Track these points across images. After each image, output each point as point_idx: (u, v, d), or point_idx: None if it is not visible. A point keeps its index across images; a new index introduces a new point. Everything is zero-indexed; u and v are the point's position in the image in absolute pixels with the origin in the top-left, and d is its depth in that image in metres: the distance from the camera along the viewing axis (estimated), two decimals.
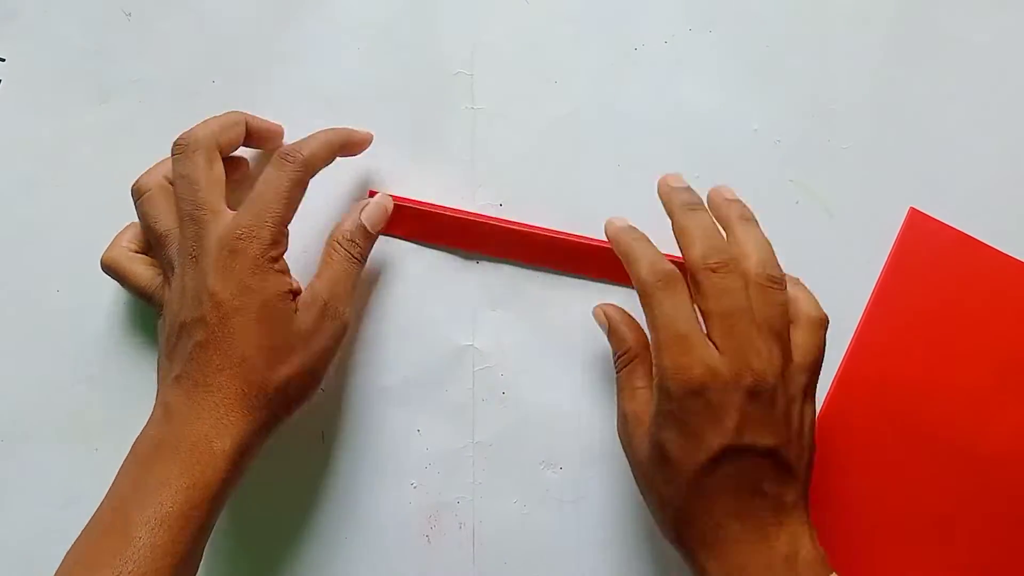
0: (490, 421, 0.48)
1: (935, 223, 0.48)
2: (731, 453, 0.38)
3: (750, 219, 0.42)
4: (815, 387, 0.41)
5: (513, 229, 0.48)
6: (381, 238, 0.47)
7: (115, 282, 0.46)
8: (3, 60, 0.50)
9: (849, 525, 0.47)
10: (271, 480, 0.47)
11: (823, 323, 0.41)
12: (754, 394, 0.38)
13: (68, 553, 0.38)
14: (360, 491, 0.48)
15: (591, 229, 0.48)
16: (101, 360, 0.49)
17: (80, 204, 0.49)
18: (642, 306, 0.40)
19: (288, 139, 0.49)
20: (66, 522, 0.48)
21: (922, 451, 0.47)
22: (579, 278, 0.48)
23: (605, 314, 0.45)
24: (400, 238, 0.49)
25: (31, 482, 0.49)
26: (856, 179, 0.49)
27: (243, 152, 0.47)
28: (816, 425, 0.46)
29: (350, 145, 0.46)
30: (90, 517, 0.39)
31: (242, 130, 0.45)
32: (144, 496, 0.38)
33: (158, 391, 0.42)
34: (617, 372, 0.44)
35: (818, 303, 0.42)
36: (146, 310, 0.49)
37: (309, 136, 0.44)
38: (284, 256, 0.42)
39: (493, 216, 0.48)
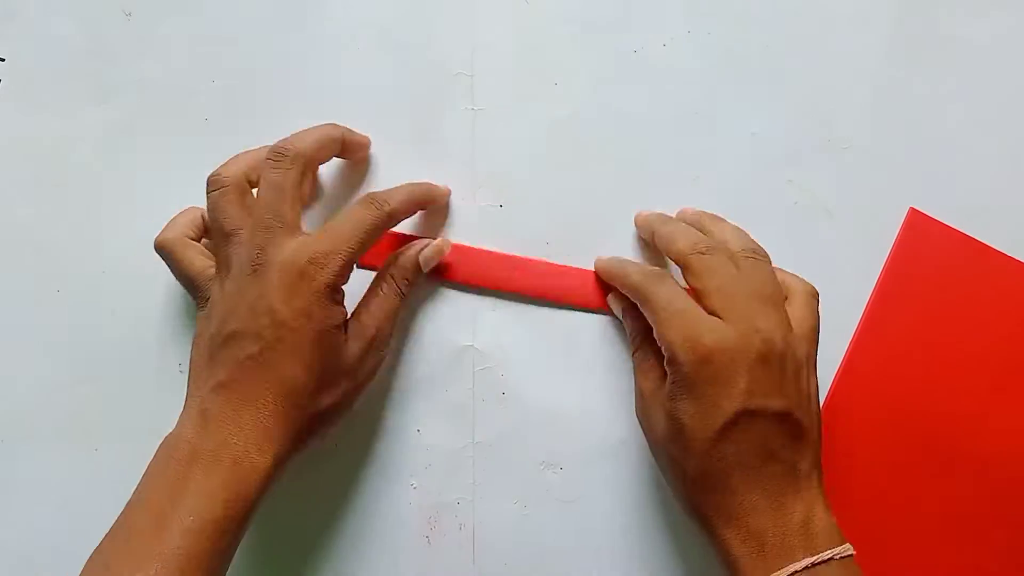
0: (490, 421, 0.48)
1: (935, 223, 0.48)
2: (744, 418, 0.38)
3: (721, 218, 0.46)
4: (816, 358, 0.42)
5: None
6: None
7: (116, 282, 0.46)
8: (3, 60, 0.50)
9: (849, 524, 0.47)
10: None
11: (814, 294, 0.43)
12: (763, 357, 0.39)
13: (97, 552, 0.38)
14: (360, 491, 0.48)
15: (591, 229, 0.48)
16: (101, 360, 0.49)
17: (80, 204, 0.49)
18: (640, 305, 0.42)
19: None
20: (66, 522, 0.48)
21: (922, 451, 0.47)
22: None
23: (620, 302, 0.47)
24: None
25: (31, 482, 0.49)
26: (856, 179, 0.49)
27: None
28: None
29: (432, 200, 0.47)
30: (120, 515, 0.39)
31: (339, 147, 0.45)
32: (183, 503, 0.37)
33: (192, 391, 0.42)
34: (633, 353, 0.46)
35: (804, 279, 0.44)
36: (146, 310, 0.49)
37: (397, 187, 0.45)
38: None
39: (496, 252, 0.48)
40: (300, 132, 0.44)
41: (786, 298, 0.43)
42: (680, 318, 0.40)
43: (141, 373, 0.49)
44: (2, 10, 0.50)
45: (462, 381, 0.48)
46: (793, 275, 0.44)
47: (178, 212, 0.46)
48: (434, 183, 0.48)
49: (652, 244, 0.46)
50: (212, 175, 0.43)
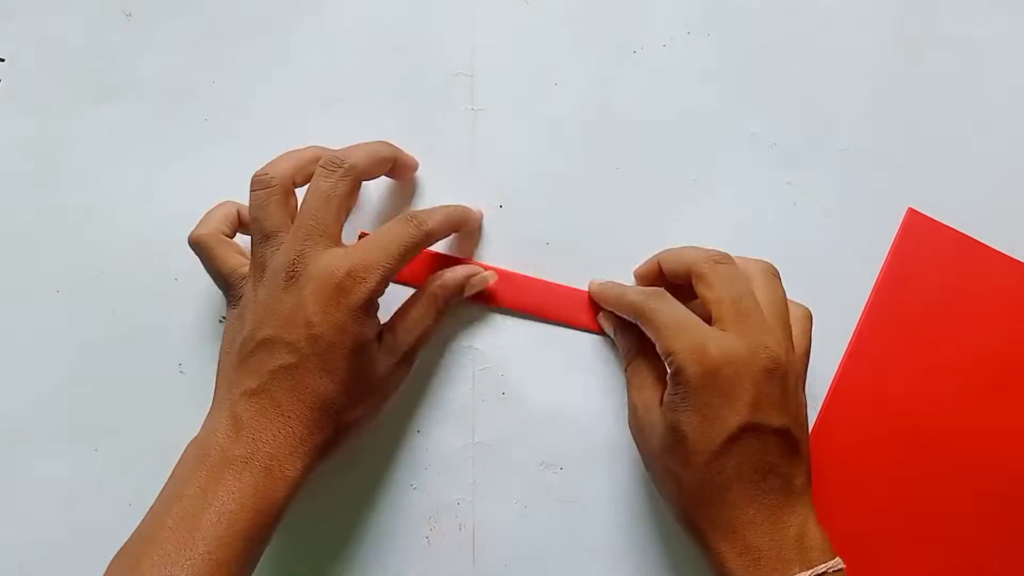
0: (490, 421, 0.48)
1: (933, 223, 0.49)
2: (748, 432, 0.38)
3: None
4: (805, 379, 0.43)
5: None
6: None
7: (116, 282, 0.46)
8: (3, 60, 0.50)
9: (847, 524, 0.47)
10: None
11: (809, 317, 0.44)
12: (769, 372, 0.39)
13: (125, 553, 0.37)
14: (360, 492, 0.48)
15: (590, 231, 0.48)
16: (101, 360, 0.49)
17: (80, 204, 0.49)
18: (642, 323, 0.42)
19: (288, 139, 0.49)
20: (66, 522, 0.48)
21: (920, 451, 0.47)
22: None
23: (612, 320, 0.47)
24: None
25: (31, 482, 0.49)
26: (854, 180, 0.49)
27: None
28: (814, 425, 0.47)
29: (467, 223, 0.47)
30: (149, 516, 0.38)
31: (390, 166, 0.45)
32: (213, 508, 0.37)
33: (222, 393, 0.41)
34: (626, 368, 0.45)
35: (800, 303, 0.44)
36: (146, 310, 0.49)
37: (435, 208, 0.45)
38: None
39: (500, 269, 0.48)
40: (355, 146, 0.43)
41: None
42: (686, 330, 0.40)
43: (141, 373, 0.49)
44: (2, 10, 0.50)
45: (462, 381, 0.48)
46: (791, 300, 0.44)
47: (213, 206, 0.46)
48: (469, 207, 0.47)
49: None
50: (259, 173, 0.42)
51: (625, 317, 0.45)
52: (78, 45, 0.50)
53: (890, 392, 0.48)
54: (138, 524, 0.38)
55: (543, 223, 0.49)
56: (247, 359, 0.40)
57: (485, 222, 0.49)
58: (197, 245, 0.44)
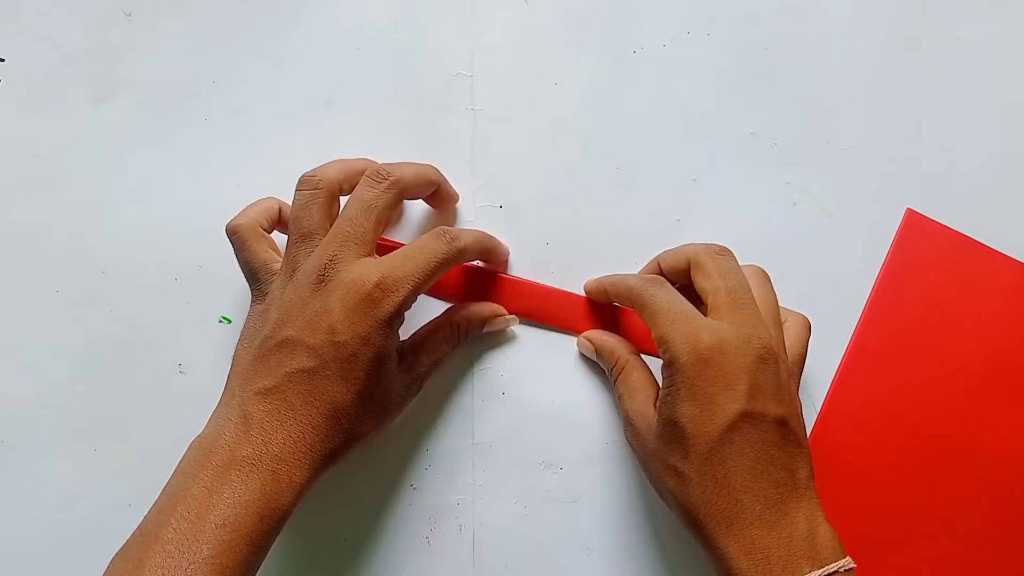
0: (490, 421, 0.48)
1: (932, 224, 0.49)
2: (745, 420, 0.38)
3: None
4: (798, 387, 0.42)
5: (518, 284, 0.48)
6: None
7: (115, 282, 0.46)
8: (3, 60, 0.50)
9: (847, 524, 0.47)
10: None
11: (807, 327, 0.43)
12: (762, 360, 0.39)
13: (127, 552, 0.37)
14: (360, 493, 0.48)
15: (590, 231, 0.48)
16: (100, 360, 0.49)
17: (80, 204, 0.49)
18: (639, 310, 0.42)
19: (288, 139, 0.49)
20: (66, 522, 0.48)
21: (920, 451, 0.47)
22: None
23: (589, 339, 0.47)
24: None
25: (31, 482, 0.49)
26: (853, 180, 0.49)
27: None
28: (814, 424, 0.48)
29: (494, 254, 0.47)
30: (151, 514, 0.38)
31: (432, 190, 0.45)
32: (218, 510, 0.37)
33: (234, 388, 0.41)
34: (613, 382, 0.45)
35: (801, 313, 0.44)
36: (145, 311, 0.49)
37: (469, 229, 0.45)
38: None
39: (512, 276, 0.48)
40: (403, 162, 0.43)
41: (784, 321, 0.43)
42: (681, 319, 0.40)
43: (140, 373, 0.49)
44: (2, 10, 0.50)
45: (462, 381, 0.48)
46: (790, 309, 0.44)
47: (256, 199, 0.46)
48: (498, 239, 0.47)
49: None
50: (308, 174, 0.42)
51: (621, 304, 0.45)
52: (78, 45, 0.50)
53: (889, 392, 0.48)
54: (141, 520, 0.38)
55: (543, 223, 0.49)
56: (266, 357, 0.40)
57: (485, 221, 0.49)
58: (234, 234, 0.44)
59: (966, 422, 0.47)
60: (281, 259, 0.43)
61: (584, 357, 0.48)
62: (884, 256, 0.49)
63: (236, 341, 0.43)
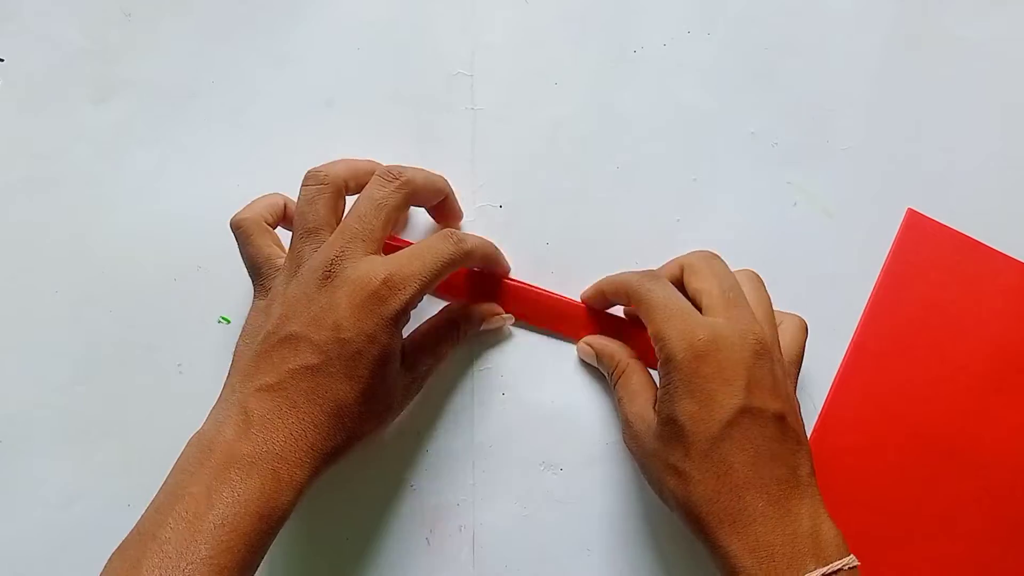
0: (490, 421, 0.48)
1: (933, 224, 0.49)
2: (745, 416, 0.38)
3: None
4: (795, 387, 0.42)
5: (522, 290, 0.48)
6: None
7: (115, 282, 0.46)
8: (2, 60, 0.50)
9: (848, 524, 0.47)
10: None
11: (804, 328, 0.43)
12: (758, 355, 0.39)
13: (124, 551, 0.36)
14: (360, 494, 0.48)
15: (590, 230, 0.48)
16: (100, 360, 0.49)
17: (80, 204, 0.49)
18: (636, 306, 0.42)
19: (287, 139, 0.49)
20: (65, 522, 0.48)
21: (921, 450, 0.47)
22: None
23: (589, 344, 0.47)
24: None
25: (30, 482, 0.49)
26: (854, 180, 0.49)
27: None
28: (814, 424, 0.47)
29: (497, 265, 0.47)
30: (149, 513, 0.37)
31: (439, 198, 0.45)
32: (216, 509, 0.36)
33: (234, 383, 0.40)
34: (613, 386, 0.45)
35: (797, 314, 0.44)
36: (145, 310, 0.49)
37: (475, 235, 0.44)
38: None
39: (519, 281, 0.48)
40: (415, 167, 0.43)
41: (780, 323, 0.43)
42: (677, 315, 0.40)
43: (139, 373, 0.49)
44: (1, 10, 0.50)
45: (462, 382, 0.48)
46: (786, 312, 0.44)
47: (261, 195, 0.45)
48: (503, 255, 0.47)
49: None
50: (314, 170, 0.42)
51: (619, 302, 0.45)
52: (78, 45, 0.50)
53: (890, 392, 0.48)
54: (139, 519, 0.37)
55: (543, 223, 0.49)
56: (269, 353, 0.39)
57: (485, 221, 0.49)
58: (238, 228, 0.43)
59: (967, 422, 0.47)
60: (285, 255, 0.43)
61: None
62: (885, 256, 0.49)
63: (236, 339, 0.42)
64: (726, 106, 0.49)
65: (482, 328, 0.47)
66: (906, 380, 0.48)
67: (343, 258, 0.39)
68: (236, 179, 0.49)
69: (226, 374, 0.41)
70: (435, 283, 0.41)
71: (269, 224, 0.44)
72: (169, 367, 0.49)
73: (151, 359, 0.49)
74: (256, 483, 0.37)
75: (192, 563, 0.35)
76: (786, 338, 0.42)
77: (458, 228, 0.49)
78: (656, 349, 0.40)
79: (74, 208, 0.49)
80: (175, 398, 0.49)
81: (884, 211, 0.49)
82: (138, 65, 0.50)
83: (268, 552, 0.46)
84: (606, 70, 0.49)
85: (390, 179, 0.41)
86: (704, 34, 0.49)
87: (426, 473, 0.48)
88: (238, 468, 0.37)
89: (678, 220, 0.49)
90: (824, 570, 0.37)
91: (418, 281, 0.40)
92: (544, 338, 0.48)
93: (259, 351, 0.40)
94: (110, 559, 0.37)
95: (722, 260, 0.42)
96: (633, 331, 0.47)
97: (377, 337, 0.39)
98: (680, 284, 0.43)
